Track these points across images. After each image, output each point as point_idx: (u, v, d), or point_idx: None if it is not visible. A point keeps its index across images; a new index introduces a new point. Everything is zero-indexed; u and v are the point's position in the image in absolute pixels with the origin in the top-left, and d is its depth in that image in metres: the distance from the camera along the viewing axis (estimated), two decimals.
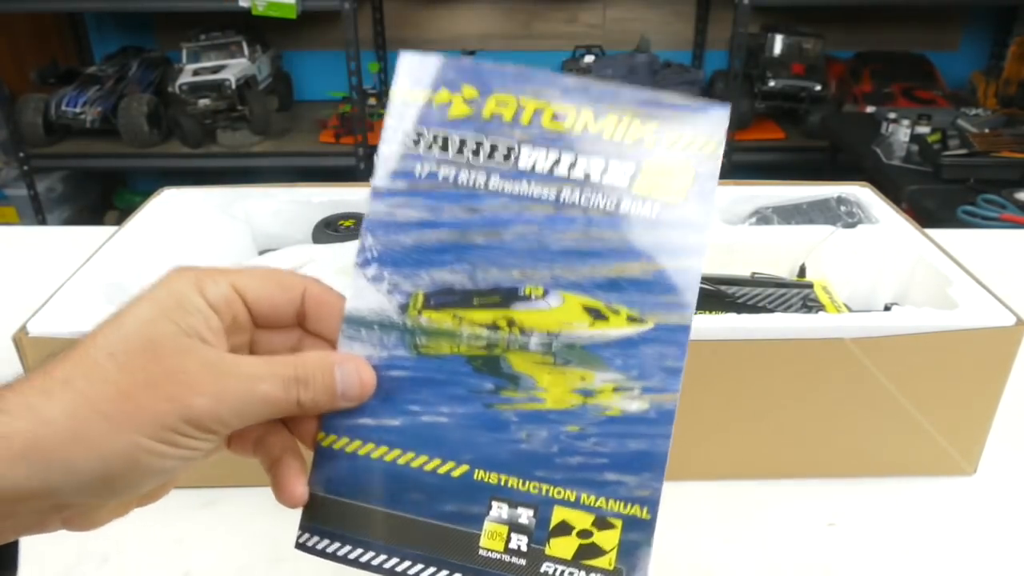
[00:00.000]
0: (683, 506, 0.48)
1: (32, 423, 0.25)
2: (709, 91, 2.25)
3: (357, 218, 0.59)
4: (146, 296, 0.28)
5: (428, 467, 0.30)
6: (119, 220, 0.59)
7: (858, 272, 0.57)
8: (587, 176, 0.30)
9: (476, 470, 0.30)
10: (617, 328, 0.30)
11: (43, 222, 2.12)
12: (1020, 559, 0.45)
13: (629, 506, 0.29)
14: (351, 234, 0.57)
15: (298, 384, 0.28)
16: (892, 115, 1.69)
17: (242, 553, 0.45)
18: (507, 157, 0.30)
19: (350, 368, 0.29)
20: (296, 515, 0.47)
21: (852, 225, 0.59)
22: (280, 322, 0.31)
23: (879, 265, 0.57)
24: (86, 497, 0.27)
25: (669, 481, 0.49)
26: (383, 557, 0.30)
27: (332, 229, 0.57)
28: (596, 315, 0.30)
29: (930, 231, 0.58)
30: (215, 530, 0.46)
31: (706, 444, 0.48)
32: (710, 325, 0.45)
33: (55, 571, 0.44)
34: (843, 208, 0.62)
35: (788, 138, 2.13)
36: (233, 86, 1.91)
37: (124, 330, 0.27)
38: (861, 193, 0.64)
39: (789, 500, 0.49)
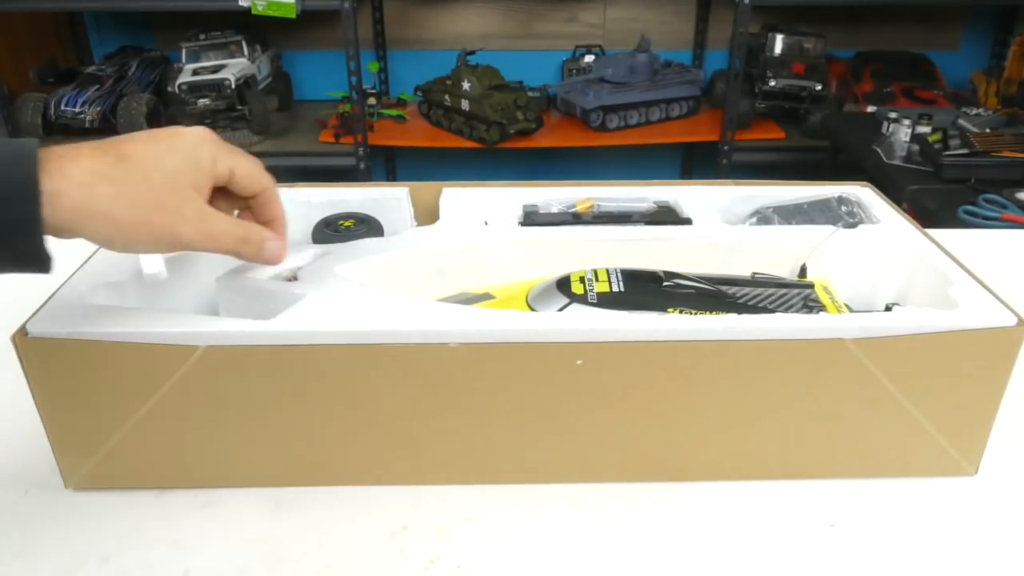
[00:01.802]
0: (683, 506, 0.48)
1: (81, 199, 0.36)
2: (709, 91, 2.25)
3: (357, 218, 0.59)
4: (181, 145, 0.40)
5: None
6: None
7: (859, 272, 0.57)
8: None
9: None
10: None
11: None
12: (1022, 560, 0.45)
13: None
14: (351, 234, 0.57)
15: (243, 242, 0.44)
16: (893, 115, 1.68)
17: (241, 553, 0.45)
18: None
19: (273, 245, 0.46)
20: (296, 516, 0.47)
21: (853, 225, 0.58)
22: (238, 197, 0.45)
23: (880, 265, 0.57)
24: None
25: (669, 481, 0.49)
26: None
27: (332, 229, 0.57)
28: None
29: (931, 231, 0.57)
30: (214, 530, 0.46)
31: (706, 444, 0.48)
32: (710, 325, 0.45)
33: (54, 571, 0.44)
34: (844, 208, 0.62)
35: (788, 138, 2.12)
36: (233, 86, 1.91)
37: (162, 164, 0.39)
38: (862, 193, 0.64)
39: (789, 500, 0.48)
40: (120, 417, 0.45)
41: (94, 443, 0.47)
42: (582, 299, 0.49)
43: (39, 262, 0.36)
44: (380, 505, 0.48)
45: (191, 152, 0.40)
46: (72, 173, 0.36)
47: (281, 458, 0.48)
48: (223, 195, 0.45)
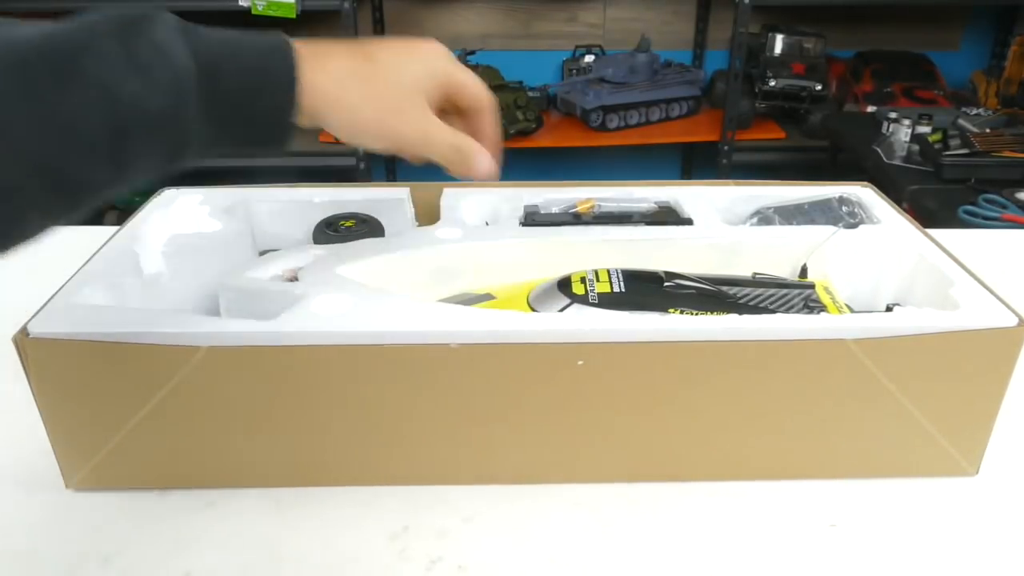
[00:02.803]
0: (683, 506, 0.48)
1: (335, 91, 0.41)
2: (709, 91, 2.25)
3: (357, 218, 0.59)
4: (422, 56, 0.45)
5: None
6: (119, 220, 0.59)
7: (860, 272, 0.57)
8: None
9: None
10: None
11: None
12: (1022, 560, 0.45)
13: None
14: (352, 234, 0.57)
15: (455, 150, 0.46)
16: (893, 115, 1.68)
17: (242, 554, 0.45)
18: None
19: (485, 159, 0.47)
20: (297, 516, 0.47)
21: (854, 225, 0.58)
22: (457, 113, 0.49)
23: (881, 265, 0.57)
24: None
25: (670, 481, 0.49)
26: None
27: (332, 229, 0.57)
28: None
29: (931, 231, 0.58)
30: (215, 531, 0.46)
31: (707, 445, 0.48)
32: (711, 326, 0.45)
33: (55, 571, 0.44)
34: (845, 208, 0.62)
35: (789, 138, 2.12)
36: None
37: (405, 70, 0.44)
38: (863, 193, 0.64)
39: (790, 501, 0.48)
40: (121, 417, 0.45)
41: (95, 443, 0.47)
42: (583, 299, 0.49)
43: (283, 143, 0.41)
44: (381, 506, 0.48)
45: (430, 63, 0.45)
46: (330, 68, 0.41)
47: (282, 458, 0.48)
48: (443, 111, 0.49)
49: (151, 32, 0.36)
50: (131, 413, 0.45)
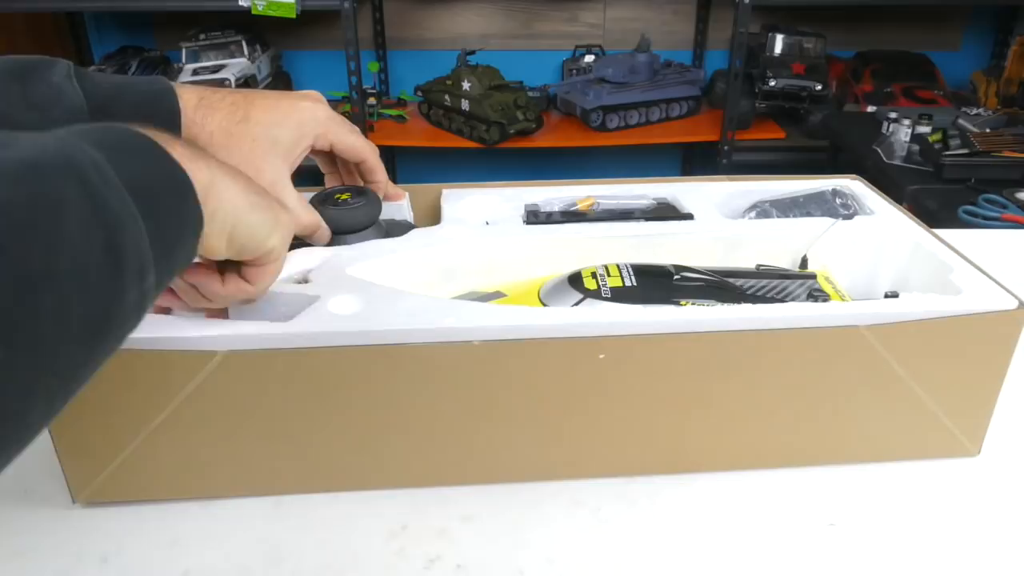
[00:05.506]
0: (682, 503, 0.48)
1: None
2: (709, 91, 2.25)
3: (353, 190, 0.56)
4: (294, 119, 0.49)
5: None
6: None
7: (856, 262, 0.58)
8: None
9: None
10: None
11: None
12: (1023, 539, 0.45)
13: None
14: (349, 206, 0.54)
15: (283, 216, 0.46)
16: (893, 115, 1.68)
17: (241, 553, 0.44)
18: None
19: (322, 234, 0.52)
20: (295, 516, 0.47)
21: (848, 216, 0.59)
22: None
23: (878, 254, 0.57)
24: None
25: (679, 473, 0.49)
26: None
27: (331, 203, 0.55)
28: None
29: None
30: (214, 531, 0.46)
31: (728, 433, 0.48)
32: (729, 315, 0.45)
33: (54, 570, 0.43)
34: (838, 200, 0.62)
35: (789, 138, 2.13)
36: (233, 86, 1.91)
37: (269, 132, 0.48)
38: (853, 185, 0.65)
39: (797, 489, 0.49)
40: (132, 429, 0.44)
41: (106, 456, 0.45)
42: (595, 294, 0.49)
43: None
44: (379, 504, 0.48)
45: (299, 128, 0.49)
46: (215, 116, 0.46)
47: (296, 464, 0.47)
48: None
49: (47, 75, 0.41)
50: (143, 424, 0.44)
